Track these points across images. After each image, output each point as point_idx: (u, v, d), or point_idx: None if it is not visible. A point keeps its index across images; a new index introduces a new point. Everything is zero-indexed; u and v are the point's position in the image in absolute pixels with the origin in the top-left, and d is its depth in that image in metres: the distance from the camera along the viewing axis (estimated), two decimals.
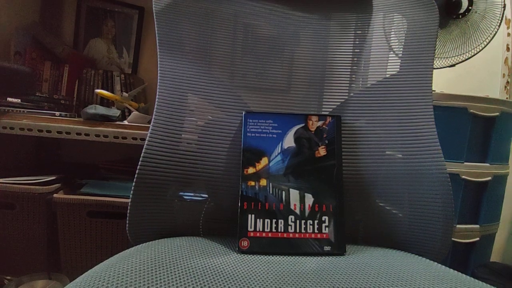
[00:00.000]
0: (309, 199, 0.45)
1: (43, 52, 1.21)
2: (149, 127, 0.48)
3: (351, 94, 0.57)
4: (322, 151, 0.48)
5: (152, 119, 0.49)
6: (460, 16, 1.06)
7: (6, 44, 1.15)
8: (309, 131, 0.48)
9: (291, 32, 0.58)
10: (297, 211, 0.45)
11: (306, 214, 0.45)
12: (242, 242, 0.43)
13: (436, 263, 0.44)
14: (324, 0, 0.59)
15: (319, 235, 0.44)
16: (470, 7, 1.05)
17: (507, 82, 1.40)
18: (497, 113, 1.00)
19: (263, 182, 0.46)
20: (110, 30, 1.36)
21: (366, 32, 0.58)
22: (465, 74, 1.32)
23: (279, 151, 0.47)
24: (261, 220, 0.44)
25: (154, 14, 0.52)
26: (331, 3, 0.59)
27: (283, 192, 0.45)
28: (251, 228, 0.44)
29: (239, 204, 0.44)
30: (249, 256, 0.42)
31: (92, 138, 0.91)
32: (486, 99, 1.01)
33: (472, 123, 0.98)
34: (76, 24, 1.32)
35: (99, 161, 1.17)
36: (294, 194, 0.46)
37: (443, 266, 0.42)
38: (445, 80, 1.27)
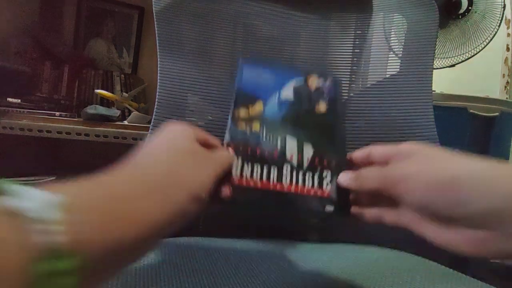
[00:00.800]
0: (309, 151, 0.37)
1: (43, 52, 1.21)
2: (149, 127, 0.48)
3: (351, 94, 0.57)
4: (322, 108, 0.41)
5: (152, 119, 0.49)
6: (460, 16, 1.06)
7: (6, 44, 1.15)
8: (308, 88, 0.43)
9: (291, 32, 0.58)
10: (294, 162, 0.36)
11: (305, 166, 0.36)
12: (223, 189, 0.32)
13: (436, 263, 0.44)
14: (324, 0, 0.59)
15: (319, 192, 0.35)
16: (470, 7, 1.05)
17: (507, 82, 1.40)
18: (497, 113, 1.00)
19: (256, 126, 0.38)
20: (110, 30, 1.36)
21: (366, 32, 0.58)
22: (465, 74, 1.32)
23: (276, 100, 0.41)
24: (250, 164, 0.35)
25: (154, 14, 0.52)
26: (331, 3, 0.59)
27: (279, 139, 0.37)
28: (236, 173, 0.34)
29: (224, 147, 0.35)
30: (250, 256, 0.42)
31: (92, 138, 0.91)
32: (486, 99, 1.01)
33: (472, 123, 0.98)
34: (76, 24, 1.32)
35: (99, 161, 1.17)
36: (292, 143, 0.37)
37: (443, 266, 0.42)
38: (445, 80, 1.27)
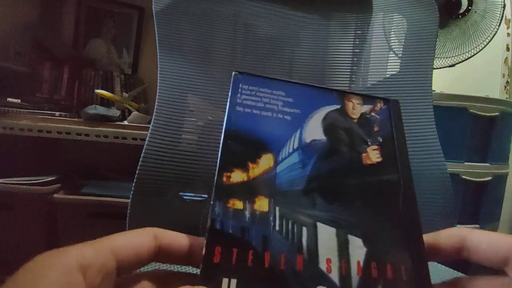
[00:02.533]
0: (359, 250, 0.21)
1: (43, 52, 1.21)
2: (149, 127, 0.48)
3: None
4: (374, 155, 0.26)
5: (152, 120, 0.48)
6: (460, 16, 1.07)
7: (6, 44, 1.15)
8: (348, 118, 0.27)
9: (291, 32, 0.58)
10: (335, 274, 0.20)
11: (355, 283, 0.20)
12: None
13: (435, 263, 0.44)
14: (324, 0, 0.59)
15: None
16: (470, 7, 1.05)
17: (507, 82, 1.40)
18: (497, 113, 1.00)
19: (262, 204, 0.22)
20: (110, 30, 1.36)
21: (366, 32, 0.58)
22: (465, 74, 1.32)
23: (296, 145, 0.25)
24: None
25: (154, 14, 0.52)
26: (331, 3, 0.59)
27: (304, 230, 0.21)
28: None
29: (204, 250, 0.19)
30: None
31: (92, 139, 0.91)
32: (486, 99, 1.01)
33: (472, 123, 0.98)
34: (76, 24, 1.32)
35: (99, 161, 1.17)
36: (327, 236, 0.21)
37: (443, 266, 0.42)
38: (445, 80, 1.27)
